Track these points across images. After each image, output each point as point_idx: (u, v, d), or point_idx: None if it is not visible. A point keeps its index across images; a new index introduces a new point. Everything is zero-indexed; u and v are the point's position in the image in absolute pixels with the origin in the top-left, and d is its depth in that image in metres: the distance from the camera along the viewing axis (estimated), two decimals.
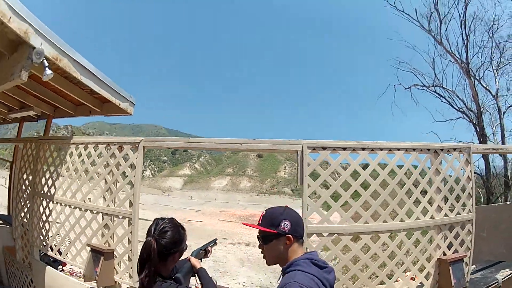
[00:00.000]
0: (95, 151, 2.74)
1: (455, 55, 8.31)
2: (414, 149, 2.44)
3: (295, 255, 1.16)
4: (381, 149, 2.33)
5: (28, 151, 3.45)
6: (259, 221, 1.23)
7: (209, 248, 1.87)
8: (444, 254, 2.70)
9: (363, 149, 2.29)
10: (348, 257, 2.42)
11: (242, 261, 10.12)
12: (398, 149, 2.37)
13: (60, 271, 3.32)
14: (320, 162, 2.25)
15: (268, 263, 1.23)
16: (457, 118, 9.17)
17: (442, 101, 9.23)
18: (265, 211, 1.25)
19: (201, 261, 1.78)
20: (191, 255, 1.70)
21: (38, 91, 3.46)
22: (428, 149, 2.50)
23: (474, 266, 3.28)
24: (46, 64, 2.30)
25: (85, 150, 2.81)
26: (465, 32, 8.27)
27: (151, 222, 1.45)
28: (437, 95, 9.31)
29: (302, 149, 2.21)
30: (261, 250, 1.25)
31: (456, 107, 9.01)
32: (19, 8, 2.13)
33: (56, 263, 3.37)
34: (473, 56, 8.42)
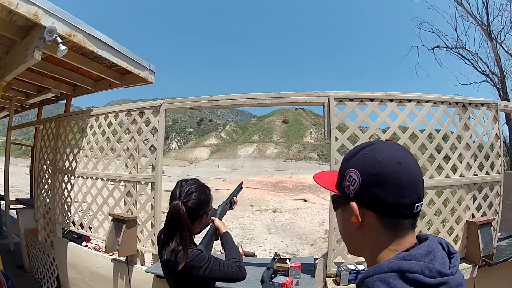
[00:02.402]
0: (115, 119, 2.65)
1: (476, 17, 7.99)
2: (442, 102, 2.28)
3: (379, 252, 0.55)
4: (409, 101, 2.18)
5: (48, 130, 3.39)
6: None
7: (234, 199, 1.70)
8: (473, 216, 2.54)
9: (391, 100, 2.14)
10: None
11: (269, 228, 9.79)
12: (427, 101, 2.22)
13: (85, 247, 3.22)
14: (347, 114, 2.11)
15: (348, 250, 0.64)
16: (481, 82, 8.72)
17: (465, 63, 8.72)
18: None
19: (225, 214, 1.61)
20: (215, 212, 1.52)
21: (55, 72, 3.42)
22: (457, 103, 2.34)
23: (500, 233, 3.11)
24: (60, 40, 2.24)
25: (105, 120, 2.73)
26: None
27: (174, 185, 1.30)
28: (460, 56, 8.79)
29: (329, 101, 2.08)
30: None
31: (480, 70, 8.55)
32: None
33: (80, 240, 3.28)
34: (493, 19, 7.97)
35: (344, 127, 2.12)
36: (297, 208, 13.94)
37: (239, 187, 1.76)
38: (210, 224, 1.45)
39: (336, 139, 2.08)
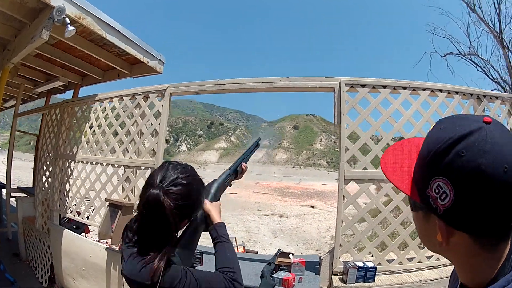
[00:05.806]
0: (119, 104, 2.52)
1: (488, 24, 7.84)
2: (457, 92, 2.12)
3: (476, 267, 0.42)
4: (423, 90, 2.02)
5: (53, 116, 3.27)
6: None
7: (243, 165, 1.13)
8: None
9: (404, 88, 1.99)
10: (389, 209, 2.07)
11: (274, 232, 9.54)
12: (441, 91, 2.06)
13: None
14: (359, 101, 1.95)
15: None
16: (493, 90, 8.58)
17: (477, 70, 8.46)
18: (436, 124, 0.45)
19: (230, 186, 1.10)
20: (211, 186, 1.01)
21: (64, 59, 3.32)
22: (471, 94, 2.18)
23: None
24: (68, 21, 2.16)
25: (109, 105, 2.60)
26: (497, 1, 7.56)
27: (158, 167, 0.88)
28: (472, 63, 8.53)
29: (339, 86, 1.93)
30: None
31: (491, 78, 8.29)
32: None
33: (78, 231, 3.11)
34: (505, 26, 7.69)
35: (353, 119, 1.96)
36: (304, 214, 13.62)
37: (255, 145, 1.22)
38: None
39: (347, 125, 1.92)
